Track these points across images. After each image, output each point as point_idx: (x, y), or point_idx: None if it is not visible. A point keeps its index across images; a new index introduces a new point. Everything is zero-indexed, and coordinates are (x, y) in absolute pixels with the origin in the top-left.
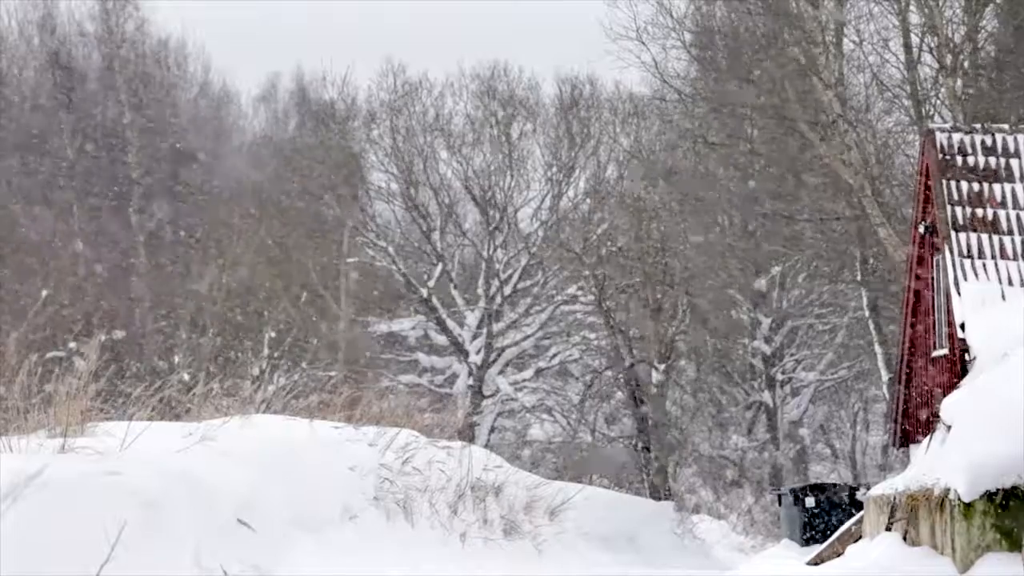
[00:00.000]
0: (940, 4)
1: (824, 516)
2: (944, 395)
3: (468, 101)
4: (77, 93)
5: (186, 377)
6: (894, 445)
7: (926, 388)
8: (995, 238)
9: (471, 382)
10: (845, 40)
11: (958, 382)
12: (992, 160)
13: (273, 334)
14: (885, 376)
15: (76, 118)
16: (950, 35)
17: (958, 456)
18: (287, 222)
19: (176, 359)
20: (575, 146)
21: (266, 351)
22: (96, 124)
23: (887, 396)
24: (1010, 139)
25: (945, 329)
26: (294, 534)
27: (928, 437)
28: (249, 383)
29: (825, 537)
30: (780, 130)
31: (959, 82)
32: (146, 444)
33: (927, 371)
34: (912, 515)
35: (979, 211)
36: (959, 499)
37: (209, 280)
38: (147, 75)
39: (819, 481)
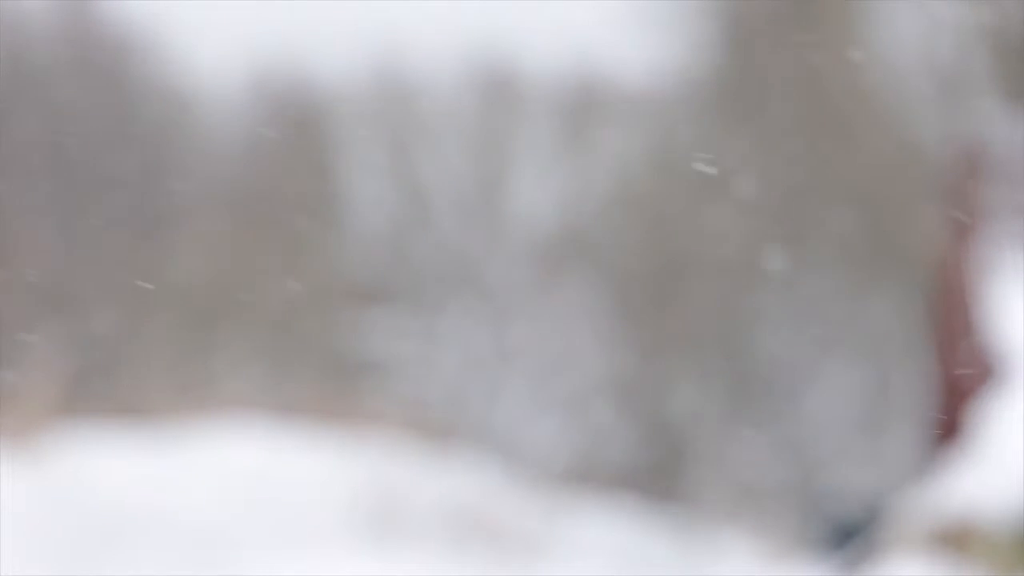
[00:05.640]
0: None
1: (852, 531)
2: (983, 400)
3: (466, 93)
4: (34, 80)
5: (151, 370)
6: (927, 452)
7: (963, 391)
8: None
9: (467, 383)
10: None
11: (998, 386)
12: None
13: (246, 327)
14: (917, 375)
15: (33, 106)
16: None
17: (998, 467)
18: (257, 224)
19: (140, 350)
20: (583, 143)
21: (239, 344)
22: (55, 113)
23: (919, 398)
24: None
25: (984, 328)
26: (265, 556)
27: (965, 444)
28: (220, 377)
29: (852, 553)
30: (807, 104)
31: (1003, 63)
32: (105, 454)
33: (964, 372)
34: (947, 534)
35: (1021, 198)
36: (998, 516)
37: (178, 271)
38: (110, 65)
39: (844, 490)
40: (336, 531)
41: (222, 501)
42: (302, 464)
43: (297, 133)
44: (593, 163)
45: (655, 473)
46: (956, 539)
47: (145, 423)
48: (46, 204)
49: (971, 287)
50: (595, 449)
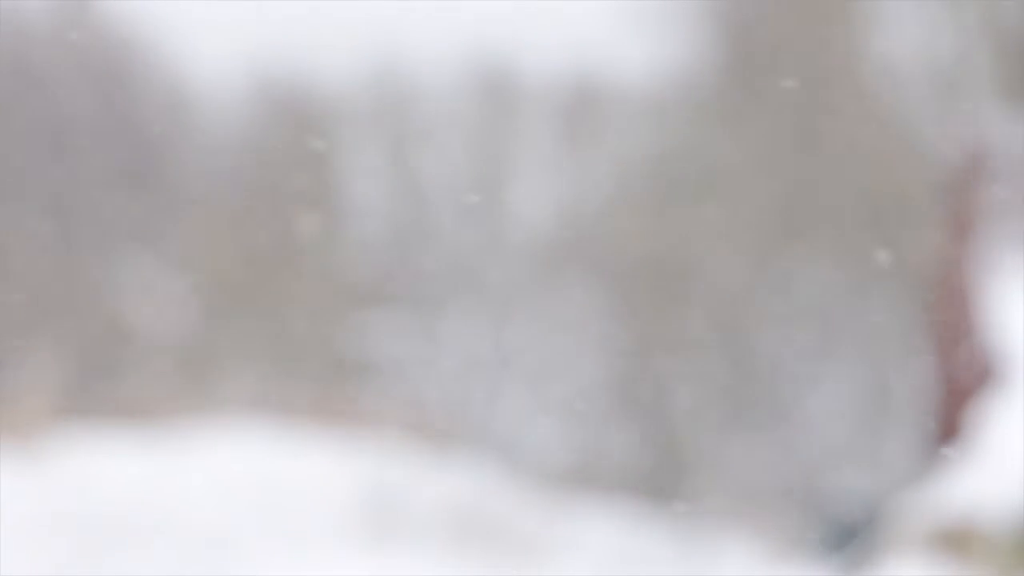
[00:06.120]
0: None
1: (852, 532)
2: (983, 400)
3: (464, 91)
4: (34, 80)
5: (151, 371)
6: (927, 453)
7: (963, 391)
8: None
9: (467, 384)
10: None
11: (998, 386)
12: None
13: (246, 329)
14: (917, 376)
15: (33, 106)
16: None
17: (998, 468)
18: (257, 226)
19: (140, 352)
20: (582, 143)
21: (239, 345)
22: (55, 113)
23: (919, 399)
24: None
25: (984, 328)
26: (265, 556)
27: (965, 445)
28: (220, 379)
29: (852, 554)
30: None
31: (1003, 63)
32: (105, 455)
33: (963, 372)
34: (947, 534)
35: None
36: (998, 517)
37: (179, 272)
38: (108, 69)
39: (844, 491)
40: (336, 531)
41: (222, 502)
42: (302, 465)
43: (297, 134)
44: (593, 163)
45: (655, 474)
46: (956, 540)
47: (146, 425)
48: (46, 205)
49: (971, 287)
50: (595, 450)
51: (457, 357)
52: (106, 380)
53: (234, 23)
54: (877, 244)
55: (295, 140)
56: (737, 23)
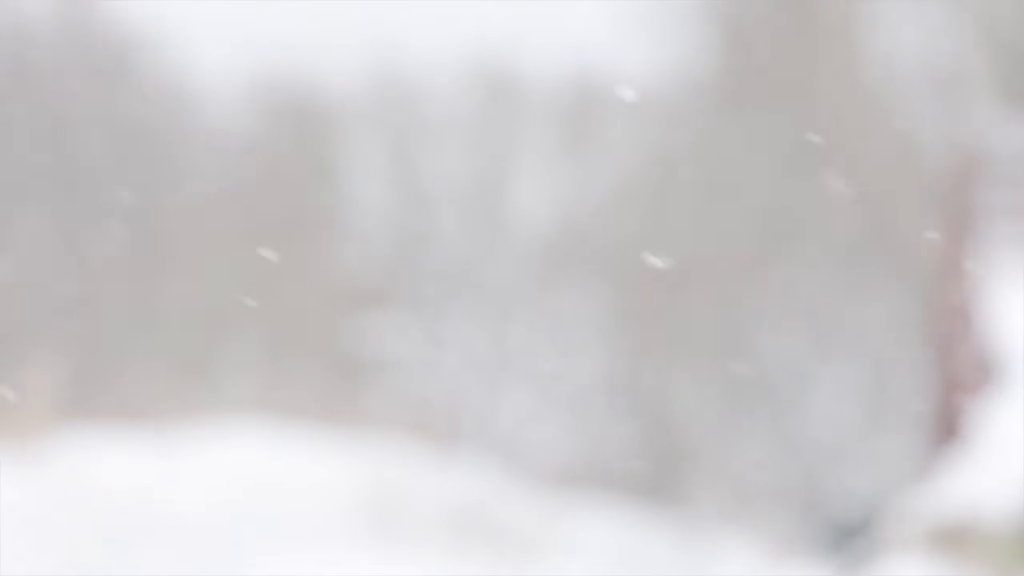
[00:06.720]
0: None
1: (852, 532)
2: (982, 400)
3: (465, 91)
4: (35, 80)
5: (153, 372)
6: (927, 453)
7: (962, 391)
8: None
9: (468, 384)
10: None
11: (997, 386)
12: None
13: (248, 329)
14: (916, 376)
15: (33, 106)
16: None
17: (997, 467)
18: (258, 225)
19: (142, 353)
20: (583, 144)
21: (241, 345)
22: (56, 113)
23: (918, 398)
24: None
25: (984, 328)
26: (267, 556)
27: (964, 445)
28: (223, 379)
29: (852, 554)
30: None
31: (1002, 64)
32: (107, 456)
33: (963, 372)
34: (946, 534)
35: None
36: (997, 516)
37: (180, 272)
38: (112, 66)
39: (843, 490)
40: (338, 531)
41: (225, 502)
42: (304, 465)
43: (298, 134)
44: (593, 164)
45: (655, 474)
46: (955, 539)
47: (148, 425)
48: (47, 206)
49: (970, 288)
50: (595, 450)
51: (458, 357)
52: (106, 380)
53: (235, 23)
54: (876, 244)
55: (296, 140)
56: (737, 23)
